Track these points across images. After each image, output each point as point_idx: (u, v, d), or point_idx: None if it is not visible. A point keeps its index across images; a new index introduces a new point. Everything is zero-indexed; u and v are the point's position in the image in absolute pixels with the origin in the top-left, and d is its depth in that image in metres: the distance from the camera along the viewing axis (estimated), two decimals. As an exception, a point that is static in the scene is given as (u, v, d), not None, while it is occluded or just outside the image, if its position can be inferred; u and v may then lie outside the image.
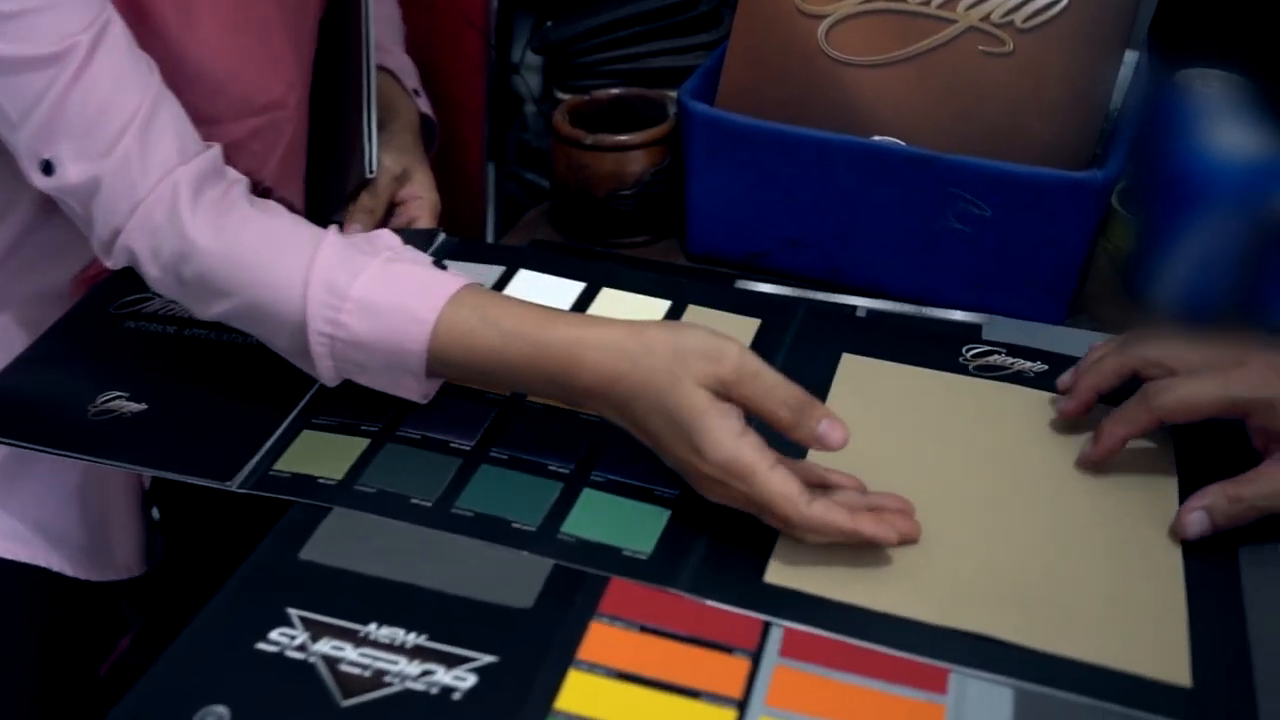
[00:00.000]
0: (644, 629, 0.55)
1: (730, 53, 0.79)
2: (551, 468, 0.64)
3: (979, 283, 0.74)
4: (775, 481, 0.55)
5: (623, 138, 0.79)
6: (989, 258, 0.73)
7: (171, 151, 0.64)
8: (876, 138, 0.76)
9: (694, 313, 0.74)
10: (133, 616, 0.95)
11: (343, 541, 0.60)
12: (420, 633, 0.55)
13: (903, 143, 0.75)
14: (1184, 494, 0.61)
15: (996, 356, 0.71)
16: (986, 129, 0.75)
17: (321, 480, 0.64)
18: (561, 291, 0.76)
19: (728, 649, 0.54)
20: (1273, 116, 0.74)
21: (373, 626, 0.56)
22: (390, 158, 0.87)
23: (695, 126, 0.76)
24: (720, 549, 0.59)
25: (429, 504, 0.62)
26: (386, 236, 0.66)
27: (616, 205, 0.81)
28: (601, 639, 0.55)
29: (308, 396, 0.70)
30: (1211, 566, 0.58)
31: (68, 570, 0.81)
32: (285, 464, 0.65)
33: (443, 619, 0.56)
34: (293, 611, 0.56)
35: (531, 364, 0.60)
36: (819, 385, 0.69)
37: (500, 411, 0.68)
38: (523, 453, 0.65)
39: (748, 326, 0.73)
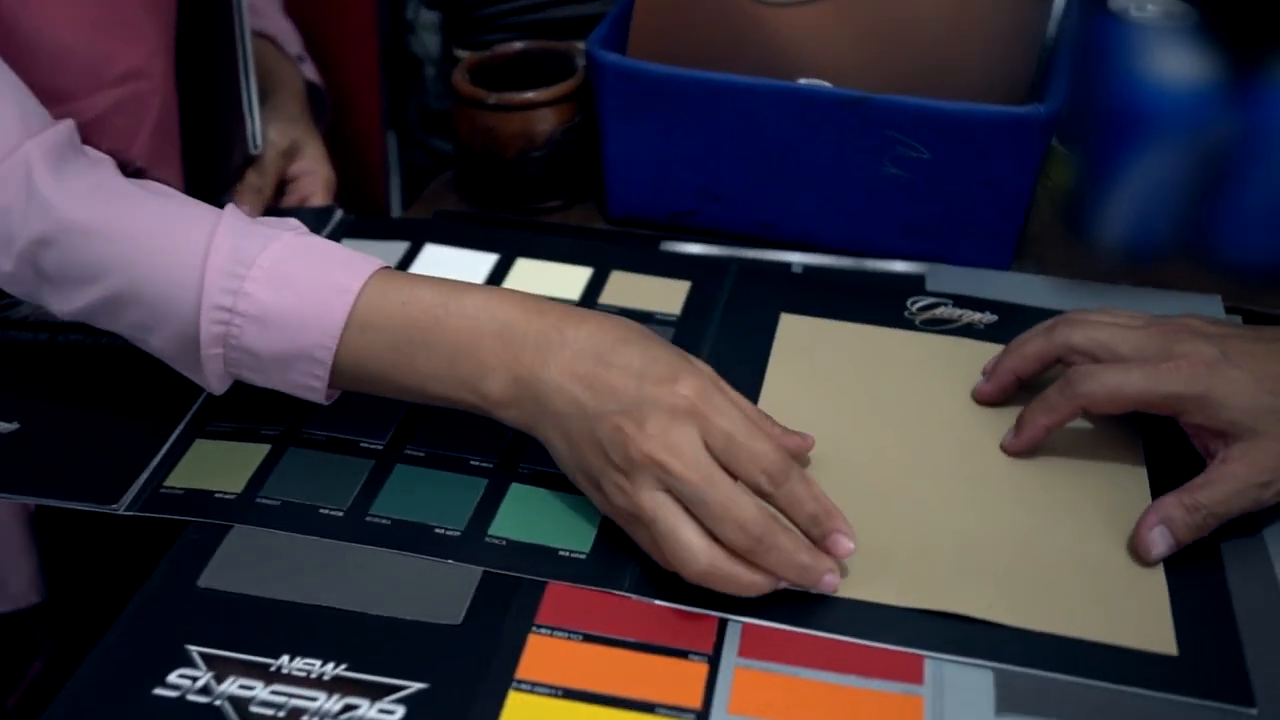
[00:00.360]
0: (588, 638, 0.50)
1: (640, -2, 0.73)
2: (474, 463, 0.58)
3: (919, 230, 0.70)
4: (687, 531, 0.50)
5: (529, 95, 0.73)
6: (928, 203, 0.69)
7: (13, 126, 0.56)
8: (801, 81, 0.71)
9: (619, 279, 0.69)
10: (43, 640, 0.88)
11: (246, 563, 0.54)
12: (339, 662, 0.49)
13: (830, 85, 0.70)
14: (1150, 455, 0.58)
15: (943, 309, 0.67)
16: (916, 66, 0.70)
17: (219, 495, 0.57)
18: (472, 266, 0.70)
19: (682, 654, 0.49)
20: (1213, 41, 0.70)
21: (285, 659, 0.50)
22: (276, 131, 0.80)
23: (607, 79, 0.70)
24: None
25: (340, 513, 0.56)
26: (291, 220, 0.59)
27: (526, 168, 0.75)
28: (542, 653, 0.49)
29: (199, 402, 0.63)
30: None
31: None
32: (177, 479, 0.59)
33: (364, 644, 0.50)
34: (193, 649, 0.50)
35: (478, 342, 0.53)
36: (758, 349, 0.64)
37: (413, 405, 0.61)
38: (440, 449, 0.59)
39: (677, 290, 0.68)
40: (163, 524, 0.57)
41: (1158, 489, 0.56)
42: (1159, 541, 0.53)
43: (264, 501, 0.57)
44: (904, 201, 0.69)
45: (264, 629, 0.51)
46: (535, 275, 0.70)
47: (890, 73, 0.70)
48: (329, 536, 0.55)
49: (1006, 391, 0.60)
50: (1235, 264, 0.70)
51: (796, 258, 0.72)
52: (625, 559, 0.53)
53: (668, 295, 0.68)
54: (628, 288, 0.69)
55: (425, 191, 0.81)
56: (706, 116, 0.70)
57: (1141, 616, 0.50)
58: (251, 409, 0.61)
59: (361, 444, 0.59)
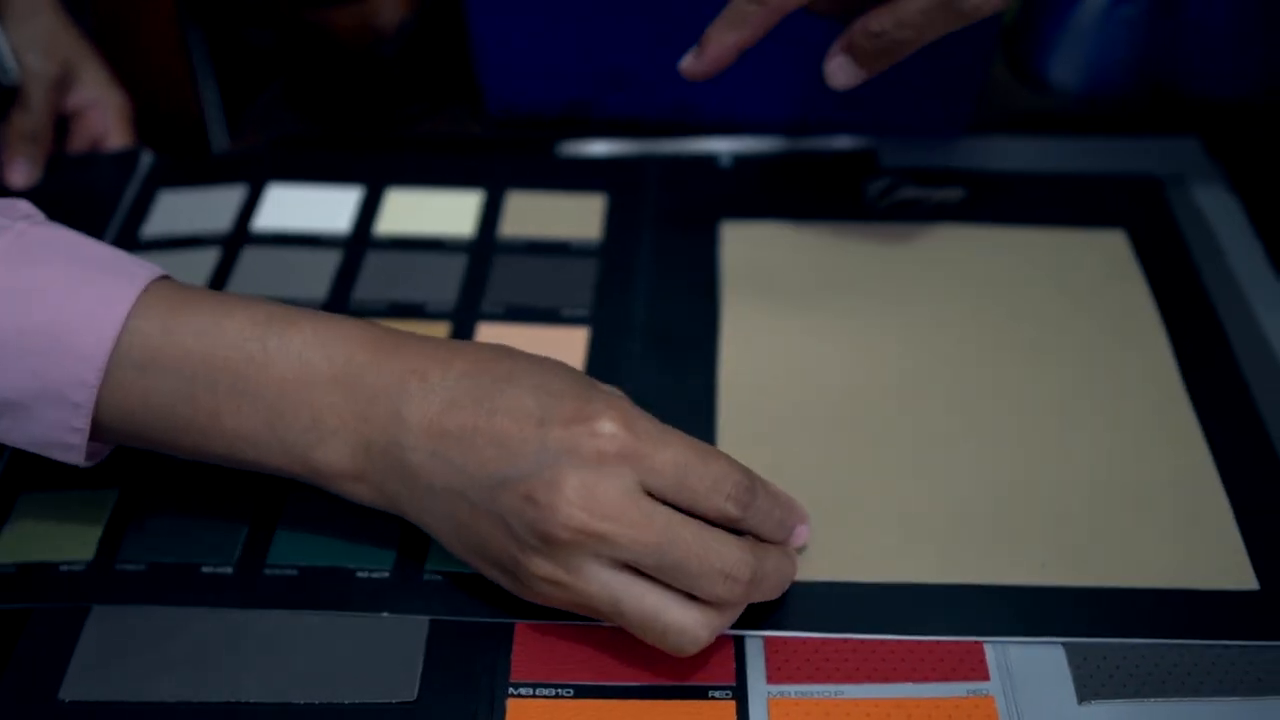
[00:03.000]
0: (581, 692, 0.40)
1: None
2: None
3: (861, 99, 0.58)
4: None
5: (367, -24, 0.58)
6: (873, 64, 0.58)
7: None
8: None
9: (518, 202, 0.57)
10: None
11: (117, 658, 0.41)
12: (267, 778, 0.39)
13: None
14: (1179, 354, 0.50)
15: (906, 190, 0.57)
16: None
17: (64, 567, 0.44)
18: (334, 206, 0.58)
19: (700, 692, 0.40)
20: None
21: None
22: (37, 54, 0.62)
23: (467, -53, 0.56)
24: None
25: (229, 570, 0.44)
26: (22, 204, 0.42)
27: (376, 70, 0.60)
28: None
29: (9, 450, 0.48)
30: (1237, 433, 0.47)
31: None
32: (4, 553, 0.45)
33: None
34: (68, 793, 0.39)
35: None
36: (704, 272, 0.54)
37: None
38: None
39: (591, 207, 0.57)
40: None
41: (1198, 399, 0.48)
42: (840, 70, 0.48)
43: (126, 568, 0.44)
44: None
45: (160, 746, 0.39)
46: (413, 210, 0.57)
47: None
48: (220, 605, 0.43)
49: (721, 65, 0.49)
50: (1204, 97, 0.62)
51: (722, 145, 0.60)
52: None
53: (581, 215, 0.56)
54: (530, 212, 0.57)
55: (250, 113, 0.66)
56: (596, -18, 0.56)
57: (1211, 551, 0.43)
58: None
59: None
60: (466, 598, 0.43)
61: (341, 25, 0.59)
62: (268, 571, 0.44)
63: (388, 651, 0.41)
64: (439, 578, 0.43)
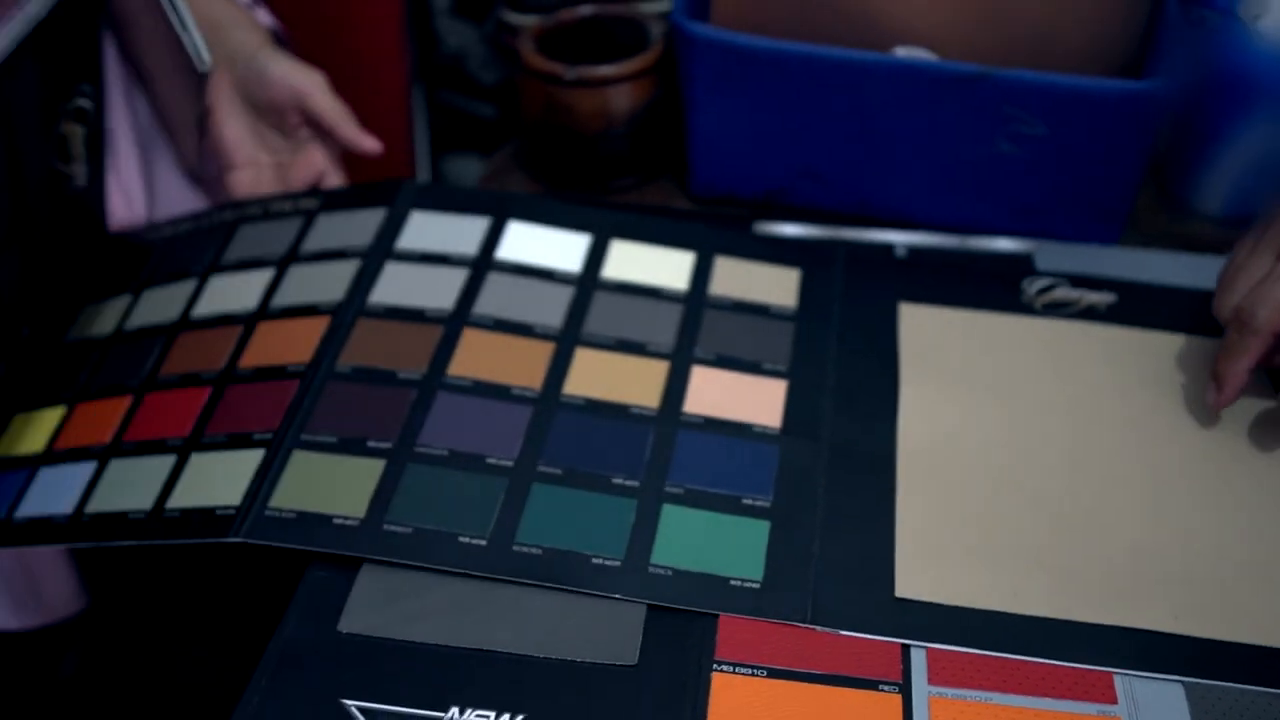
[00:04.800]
0: (773, 673, 0.48)
1: (724, -39, 0.68)
2: (616, 481, 0.54)
3: (1026, 207, 0.67)
4: None
5: (607, 70, 0.68)
6: (1038, 180, 0.66)
7: None
8: (899, 51, 0.67)
9: (724, 264, 0.65)
10: (73, 641, 0.84)
11: (388, 602, 0.50)
12: (515, 713, 0.47)
13: (931, 54, 0.67)
14: None
15: (1061, 290, 0.65)
16: (1018, 35, 0.67)
17: (338, 520, 0.53)
18: (566, 247, 0.65)
19: (872, 684, 0.48)
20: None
21: (455, 711, 0.47)
22: (303, 70, 0.69)
23: (697, 53, 0.66)
24: (836, 562, 0.52)
25: (484, 543, 0.52)
26: None
27: (606, 146, 0.70)
28: (730, 693, 0.47)
29: (292, 410, 0.57)
30: None
31: None
32: (284, 499, 0.53)
33: (538, 692, 0.47)
34: (350, 704, 0.47)
35: None
36: (884, 343, 0.61)
37: (536, 411, 0.57)
38: (578, 465, 0.55)
39: (788, 279, 0.64)
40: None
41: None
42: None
43: (393, 529, 0.52)
44: (1013, 178, 0.66)
45: (423, 678, 0.48)
46: (634, 259, 0.65)
47: (991, 41, 0.67)
48: (476, 571, 0.51)
49: (1240, 389, 0.56)
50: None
51: (896, 237, 0.69)
52: (802, 586, 0.51)
53: (779, 284, 0.64)
54: (735, 276, 0.64)
55: (487, 171, 0.76)
56: (805, 91, 0.66)
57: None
58: (352, 417, 0.57)
59: (488, 460, 0.55)
60: (685, 592, 0.50)
61: (583, 109, 0.69)
62: (516, 547, 0.52)
63: (614, 622, 0.49)
64: (665, 571, 0.51)
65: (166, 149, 0.83)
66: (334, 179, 0.72)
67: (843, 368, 0.60)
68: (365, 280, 0.63)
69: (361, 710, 0.47)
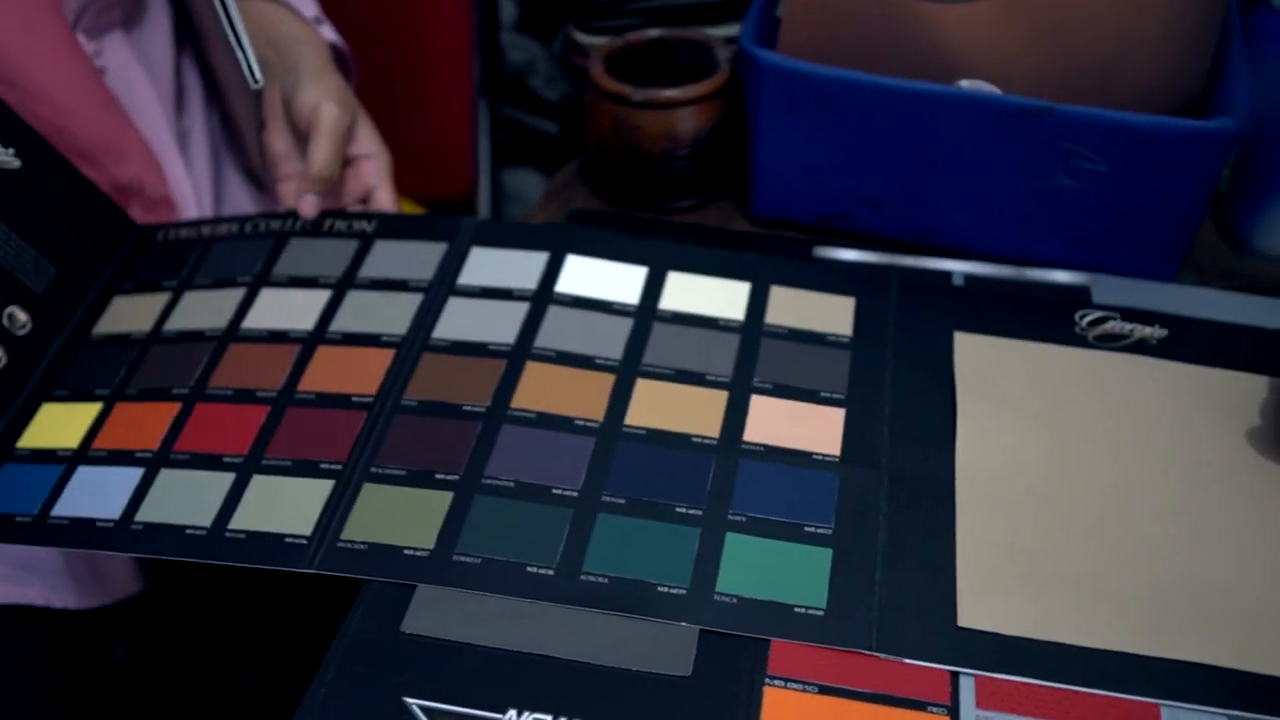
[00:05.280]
0: (824, 690, 0.49)
1: (792, -11, 0.70)
2: (679, 510, 0.55)
3: (1083, 241, 0.68)
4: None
5: (674, 93, 0.70)
6: (1097, 215, 0.67)
7: None
8: (963, 83, 0.68)
9: (779, 294, 0.66)
10: (126, 624, 0.86)
11: (449, 607, 0.52)
12: (571, 716, 0.48)
13: (995, 88, 0.68)
14: None
15: (1112, 323, 0.65)
16: (1081, 71, 0.68)
17: (408, 551, 0.54)
18: (624, 280, 0.66)
19: (921, 705, 0.48)
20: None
21: (513, 714, 0.48)
22: (333, 106, 0.70)
23: (764, 78, 0.67)
24: (898, 590, 0.52)
25: (550, 572, 0.53)
26: None
27: (670, 167, 0.72)
28: (782, 708, 0.48)
29: (360, 442, 0.58)
30: None
31: (56, 603, 0.73)
32: (355, 532, 0.55)
33: (594, 698, 0.48)
34: (412, 702, 0.49)
35: None
36: (940, 371, 0.62)
37: (599, 441, 0.58)
38: (641, 495, 0.56)
39: (843, 307, 0.65)
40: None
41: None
42: None
43: (462, 559, 0.53)
44: (1072, 212, 0.67)
45: (482, 680, 0.49)
46: (690, 291, 0.66)
47: (1055, 75, 0.68)
48: (543, 599, 0.52)
49: None
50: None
51: (954, 266, 0.70)
52: (866, 614, 0.51)
53: (834, 314, 0.65)
54: (792, 305, 0.65)
55: (552, 184, 0.78)
56: (868, 119, 0.67)
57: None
58: (416, 448, 0.58)
59: (553, 490, 0.56)
60: (750, 620, 0.51)
61: (648, 129, 0.70)
62: (583, 576, 0.53)
63: (669, 633, 0.51)
64: (729, 599, 0.52)
65: (235, 155, 0.85)
66: (383, 194, 0.73)
67: (899, 395, 0.61)
68: (428, 315, 0.65)
69: (423, 708, 0.48)
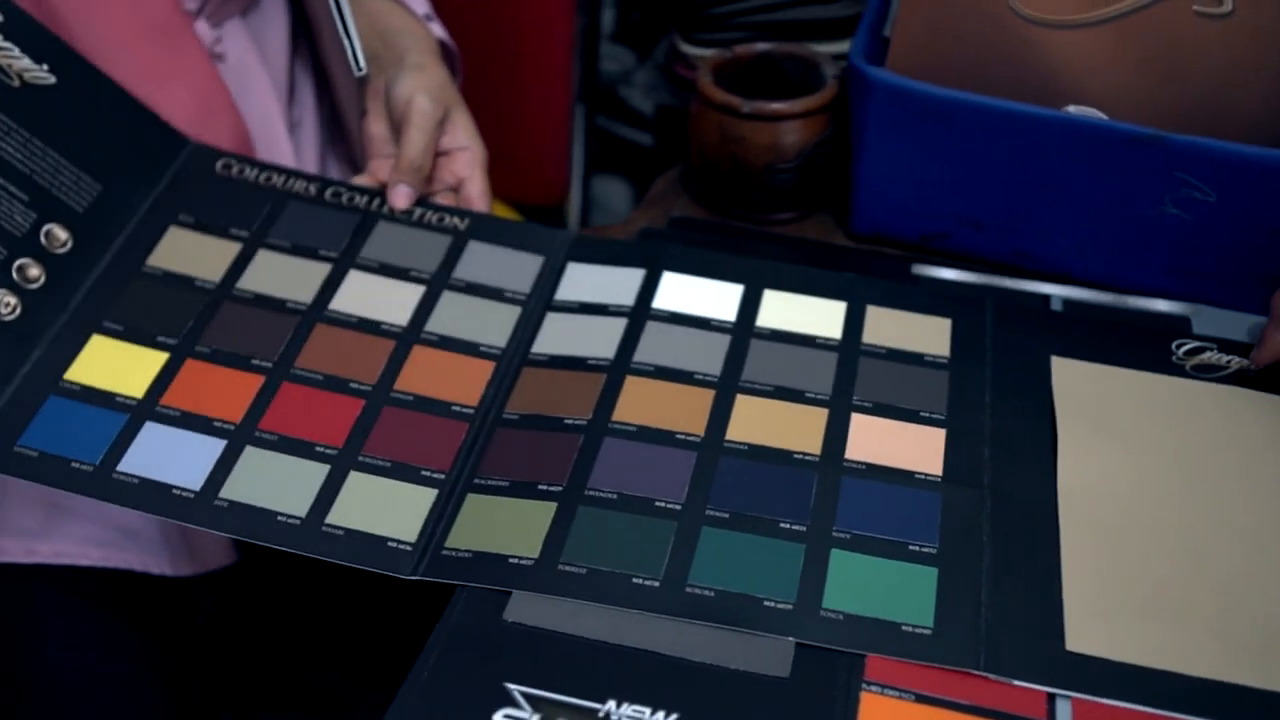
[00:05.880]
0: (920, 698, 0.49)
1: (904, 9, 0.70)
2: (784, 525, 0.55)
3: (1186, 271, 0.68)
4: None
5: (781, 106, 0.71)
6: (1201, 246, 0.67)
7: None
8: (1071, 108, 0.69)
9: (875, 314, 0.66)
10: (204, 598, 0.88)
11: (550, 598, 0.53)
12: (669, 712, 0.49)
13: (1102, 114, 0.68)
14: None
15: (1210, 354, 0.65)
16: (1191, 100, 0.68)
17: (513, 560, 0.54)
18: (720, 297, 0.66)
19: (1018, 721, 0.49)
20: None
21: (612, 705, 0.49)
22: (426, 99, 0.71)
23: (874, 96, 0.68)
24: (1005, 611, 0.52)
25: (656, 584, 0.53)
26: None
27: (774, 180, 0.73)
28: (878, 714, 0.49)
29: (462, 453, 0.59)
30: None
31: (153, 569, 0.76)
32: (460, 540, 0.55)
33: (691, 694, 0.49)
34: (513, 688, 0.50)
35: None
36: (1038, 394, 0.62)
37: (701, 456, 0.58)
38: (745, 510, 0.56)
39: (940, 328, 0.65)
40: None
41: None
42: None
43: (568, 569, 0.54)
44: (1176, 241, 0.67)
45: (582, 670, 0.50)
46: (786, 309, 0.66)
47: (1164, 103, 0.68)
48: (649, 610, 0.52)
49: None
50: None
51: (1053, 290, 0.70)
52: (973, 634, 0.51)
53: (931, 334, 0.65)
54: (888, 325, 0.65)
55: (651, 192, 0.79)
56: (974, 140, 0.68)
57: None
58: (521, 461, 0.59)
59: (657, 503, 0.56)
60: (857, 636, 0.51)
61: (755, 141, 0.71)
62: (688, 589, 0.53)
63: (767, 637, 0.51)
64: (836, 615, 0.52)
65: (342, 148, 0.87)
66: (475, 185, 0.73)
67: (998, 417, 0.61)
68: (527, 329, 0.65)
69: (523, 694, 0.49)
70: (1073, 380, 0.63)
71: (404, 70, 0.73)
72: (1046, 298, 0.70)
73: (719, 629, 0.51)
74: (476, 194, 0.73)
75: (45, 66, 0.65)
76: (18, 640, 0.74)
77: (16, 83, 0.64)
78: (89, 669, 0.73)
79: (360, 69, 0.70)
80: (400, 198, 0.70)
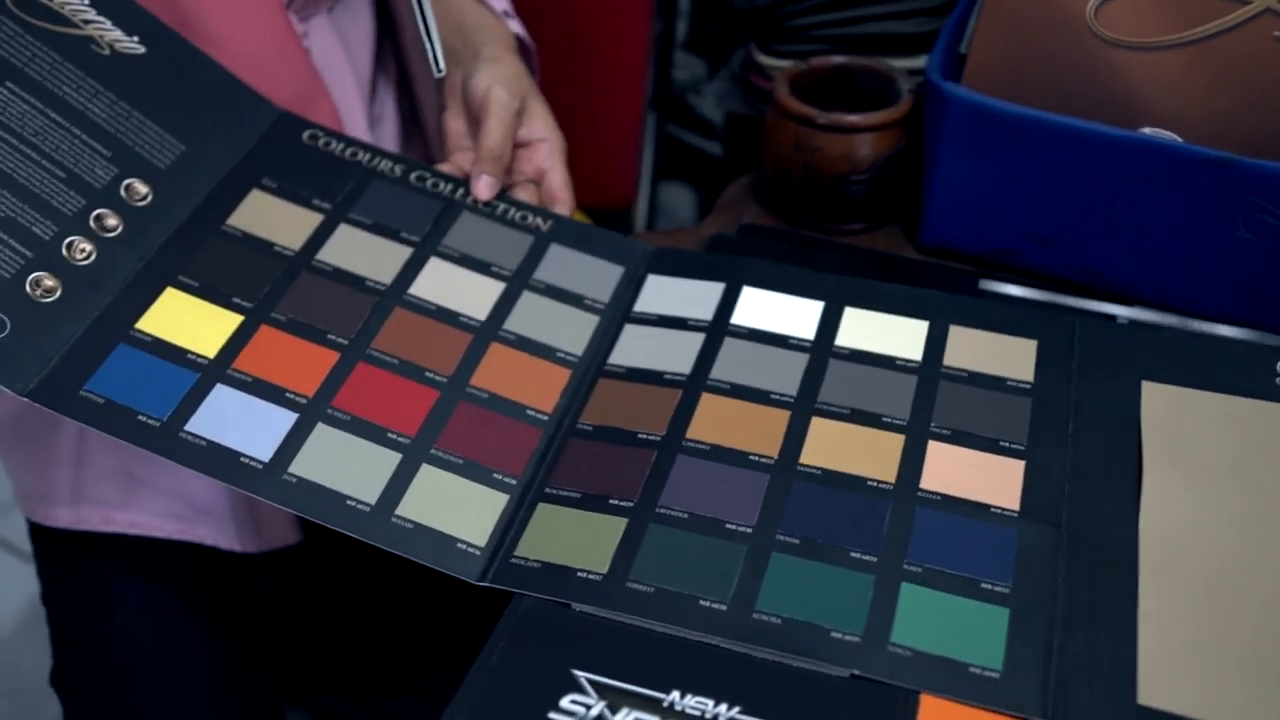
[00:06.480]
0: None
1: (982, 27, 0.71)
2: (854, 554, 0.55)
3: (1258, 296, 0.68)
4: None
5: (857, 118, 0.72)
6: (1274, 271, 0.67)
7: None
8: (1146, 129, 0.69)
9: (958, 334, 0.65)
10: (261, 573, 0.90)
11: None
12: (731, 704, 0.50)
13: (1177, 137, 0.68)
14: None
15: None
16: (1267, 125, 0.68)
17: (581, 574, 0.54)
18: (799, 314, 0.66)
19: (1075, 733, 0.49)
20: None
21: (675, 695, 0.50)
22: (504, 91, 0.72)
23: (949, 111, 0.69)
24: (1076, 658, 0.51)
25: (724, 607, 0.53)
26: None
27: (846, 190, 0.74)
28: (937, 715, 0.49)
29: (536, 460, 0.60)
30: None
31: (222, 544, 0.78)
32: (529, 549, 0.56)
33: (753, 688, 0.50)
34: (580, 674, 0.51)
35: None
36: (1125, 422, 0.60)
37: (773, 478, 0.58)
38: (816, 536, 0.56)
39: (1024, 350, 0.64)
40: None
41: None
42: None
43: (636, 586, 0.54)
44: (1249, 266, 0.67)
45: (647, 661, 0.52)
46: (867, 327, 0.65)
47: (1237, 128, 0.68)
48: (715, 634, 0.52)
49: None
50: None
51: (1119, 310, 0.70)
52: (1043, 682, 0.50)
53: (1015, 357, 0.63)
54: (971, 346, 0.64)
55: (722, 199, 0.81)
56: (1048, 158, 0.68)
57: None
58: (592, 475, 0.59)
59: (727, 525, 0.56)
60: (923, 675, 0.50)
61: (829, 152, 0.72)
62: (756, 615, 0.53)
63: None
64: (904, 651, 0.51)
65: (420, 144, 0.89)
66: (556, 176, 0.73)
67: (1080, 447, 0.59)
68: (605, 339, 0.65)
69: (589, 681, 0.51)
70: (1164, 407, 0.61)
71: (480, 63, 0.74)
72: (1113, 318, 0.70)
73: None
74: (558, 184, 0.73)
75: (136, 38, 0.67)
76: (91, 606, 0.76)
77: (107, 51, 0.66)
78: (158, 636, 0.76)
79: (440, 70, 0.71)
80: (483, 187, 0.70)
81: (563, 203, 0.73)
